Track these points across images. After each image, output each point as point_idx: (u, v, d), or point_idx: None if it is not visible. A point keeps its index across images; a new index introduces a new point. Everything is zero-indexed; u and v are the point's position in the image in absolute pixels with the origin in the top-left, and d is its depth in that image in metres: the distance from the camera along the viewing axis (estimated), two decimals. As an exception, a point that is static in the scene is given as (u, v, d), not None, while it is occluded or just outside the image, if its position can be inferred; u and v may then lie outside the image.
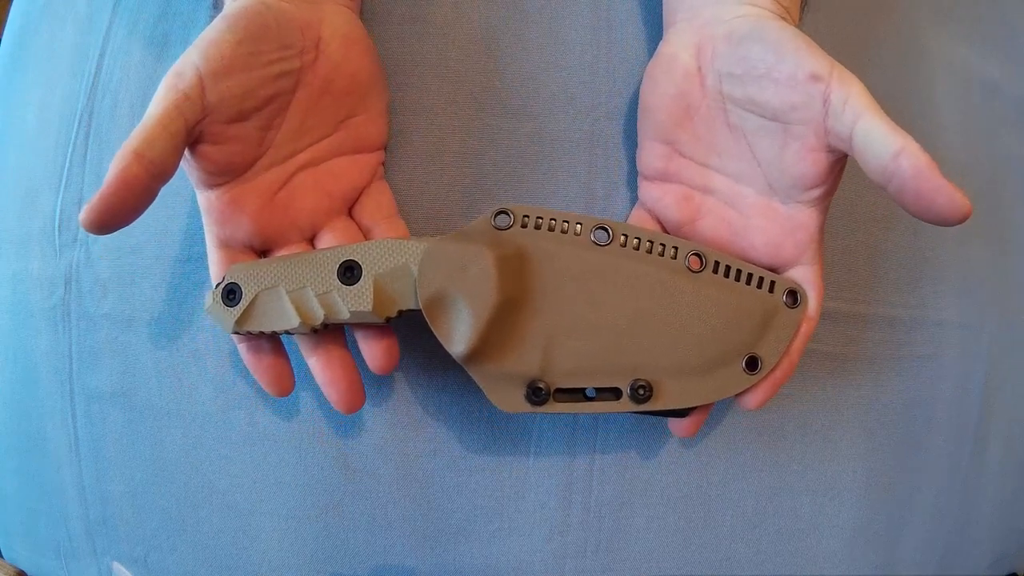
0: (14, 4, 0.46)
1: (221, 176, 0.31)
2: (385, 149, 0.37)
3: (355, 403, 0.33)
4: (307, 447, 0.37)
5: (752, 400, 0.32)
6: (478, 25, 0.39)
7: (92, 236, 0.39)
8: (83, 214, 0.26)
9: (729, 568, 0.40)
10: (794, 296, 0.32)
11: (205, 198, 0.32)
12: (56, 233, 0.40)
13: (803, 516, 0.40)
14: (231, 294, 0.31)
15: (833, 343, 0.39)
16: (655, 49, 0.39)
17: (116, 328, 0.38)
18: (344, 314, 0.31)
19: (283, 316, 0.31)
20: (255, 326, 0.31)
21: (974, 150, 0.43)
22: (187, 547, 0.39)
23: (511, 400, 0.31)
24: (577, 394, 0.32)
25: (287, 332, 0.31)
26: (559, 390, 0.32)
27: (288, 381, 0.33)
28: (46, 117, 0.41)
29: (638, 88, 0.38)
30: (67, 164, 0.40)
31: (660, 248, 0.32)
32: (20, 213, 0.41)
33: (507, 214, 0.32)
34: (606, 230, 0.32)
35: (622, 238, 0.32)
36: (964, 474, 0.43)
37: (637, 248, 0.32)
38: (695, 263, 0.32)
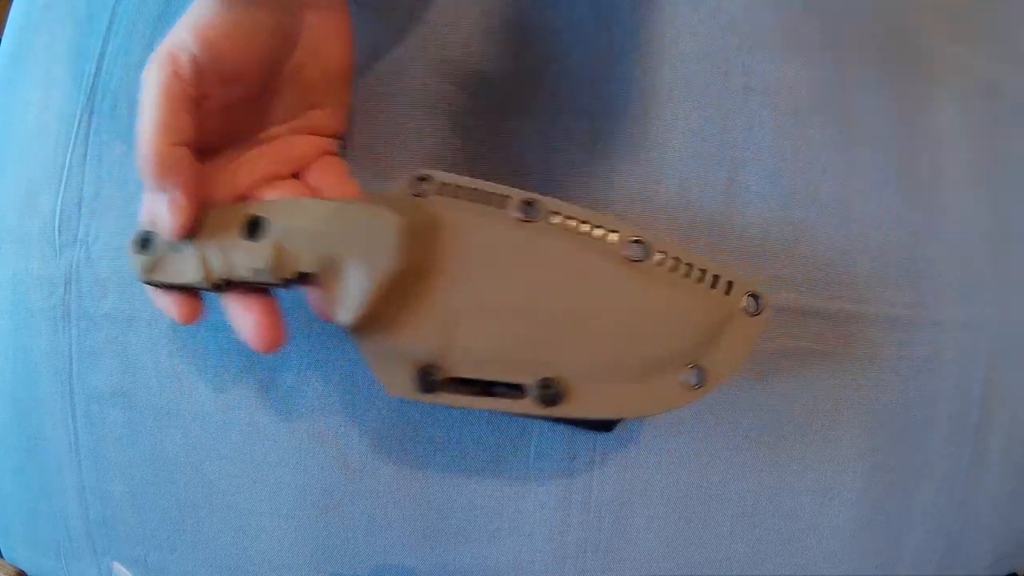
0: (14, 4, 0.46)
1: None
2: (343, 140, 0.36)
3: (273, 338, 0.30)
4: (307, 447, 0.37)
5: None
6: (478, 25, 0.39)
7: (92, 236, 0.39)
8: (176, 228, 0.28)
9: (729, 568, 0.40)
10: (757, 300, 0.28)
11: None
12: (56, 233, 0.40)
13: (803, 516, 0.40)
14: (145, 242, 0.30)
15: (833, 343, 0.39)
16: (655, 48, 0.39)
17: (116, 328, 0.38)
18: (242, 271, 0.28)
19: (187, 268, 0.29)
20: (161, 277, 0.30)
21: (974, 150, 0.43)
22: (187, 547, 0.39)
23: (398, 383, 0.28)
24: (475, 386, 0.28)
25: (191, 286, 0.30)
26: (455, 379, 0.28)
27: (196, 305, 0.31)
28: (46, 117, 0.41)
29: (638, 88, 0.38)
30: (67, 164, 0.40)
31: (597, 231, 0.28)
32: (20, 213, 0.41)
33: (427, 180, 0.29)
34: (533, 204, 0.28)
35: (551, 216, 0.28)
36: (964, 474, 0.43)
37: (569, 228, 0.28)
38: (635, 251, 0.28)
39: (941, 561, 0.43)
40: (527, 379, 0.27)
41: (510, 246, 0.28)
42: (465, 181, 0.29)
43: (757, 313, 0.28)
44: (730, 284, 0.28)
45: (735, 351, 0.27)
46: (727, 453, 0.39)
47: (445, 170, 0.36)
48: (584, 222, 0.28)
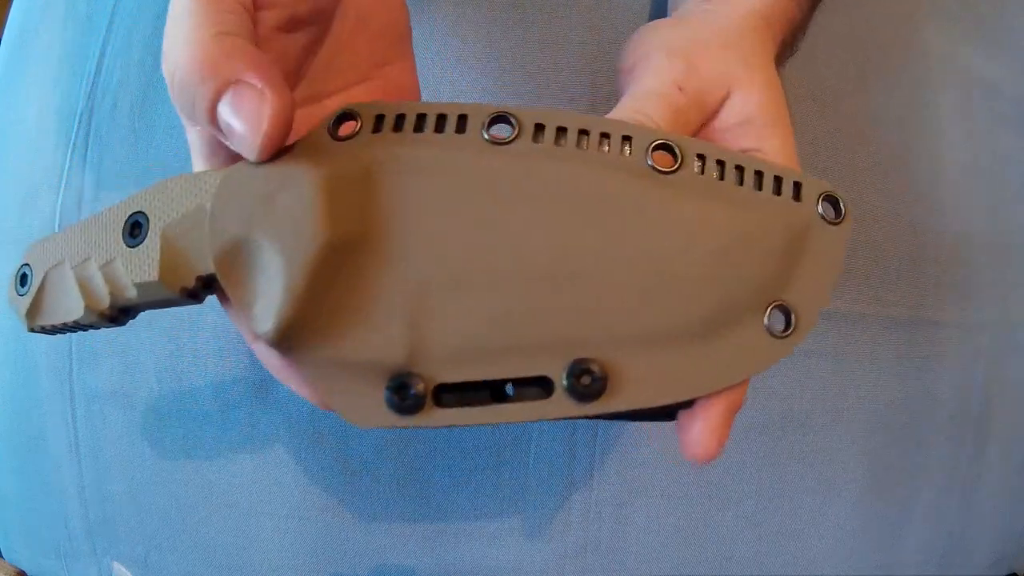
0: (14, 4, 0.46)
1: None
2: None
3: None
4: (307, 447, 0.37)
5: (699, 442, 0.20)
6: (478, 26, 0.39)
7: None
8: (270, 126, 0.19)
9: (729, 568, 0.40)
10: (835, 205, 0.21)
11: (200, 136, 0.23)
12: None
13: (803, 515, 0.40)
14: (24, 279, 0.24)
15: (833, 343, 0.39)
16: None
17: (116, 328, 0.38)
18: (130, 290, 0.21)
19: (69, 302, 0.22)
20: (47, 319, 0.23)
21: (974, 150, 0.43)
22: (187, 547, 0.39)
23: (366, 408, 0.19)
24: (477, 392, 0.20)
25: (82, 326, 0.23)
26: (444, 387, 0.19)
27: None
28: (46, 117, 0.41)
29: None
30: (67, 164, 0.40)
31: (602, 141, 0.20)
32: (20, 213, 0.41)
33: (353, 117, 0.21)
34: (509, 120, 0.20)
35: (536, 131, 0.20)
36: (964, 474, 0.43)
37: (563, 144, 0.20)
38: (664, 161, 0.20)
39: (941, 561, 0.43)
40: (551, 368, 0.19)
41: (484, 181, 0.20)
42: (406, 107, 0.21)
43: (838, 221, 0.20)
44: (797, 187, 0.20)
45: (822, 274, 0.20)
46: (727, 453, 0.39)
47: None
48: (583, 132, 0.20)
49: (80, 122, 0.40)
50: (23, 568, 0.44)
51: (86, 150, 0.40)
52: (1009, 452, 0.45)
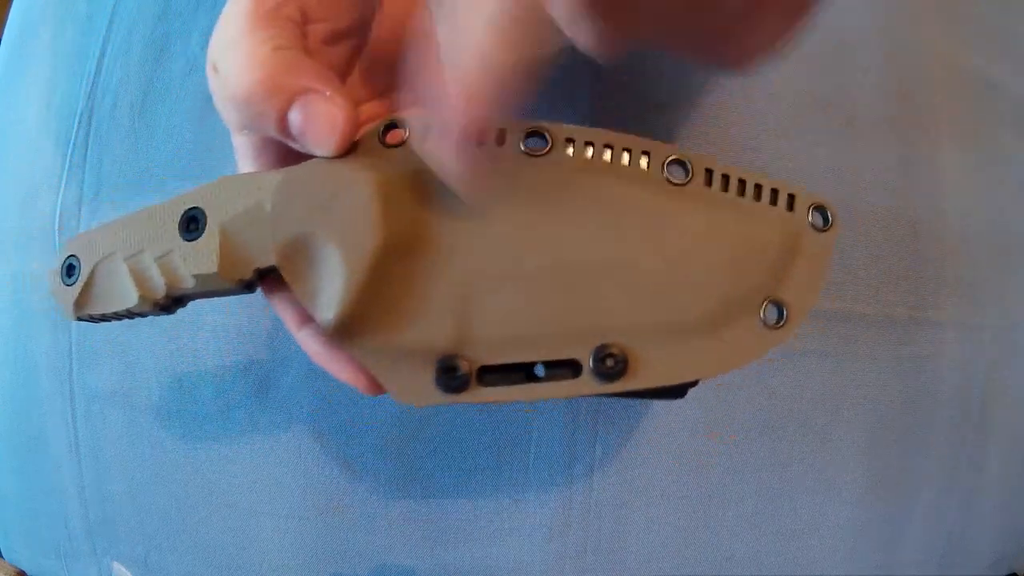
0: (14, 4, 0.46)
1: None
2: None
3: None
4: (307, 447, 0.37)
5: None
6: None
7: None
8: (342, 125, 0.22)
9: (729, 568, 0.40)
10: (824, 214, 0.24)
11: (249, 140, 0.25)
12: (56, 233, 0.40)
13: (803, 516, 0.40)
14: (70, 270, 0.25)
15: (833, 343, 0.39)
16: (655, 48, 0.39)
17: (116, 328, 0.38)
18: (188, 281, 0.24)
19: (122, 291, 0.24)
20: (97, 308, 0.25)
21: (974, 150, 0.43)
22: (187, 547, 0.39)
23: (416, 388, 0.23)
24: (515, 373, 0.23)
25: (132, 314, 0.25)
26: (487, 368, 0.23)
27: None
28: (46, 117, 0.41)
29: (639, 87, 0.39)
30: (67, 164, 0.40)
31: (624, 155, 0.23)
32: (20, 213, 0.41)
33: (400, 126, 0.24)
34: (543, 135, 0.23)
35: (566, 144, 0.23)
36: (964, 474, 0.43)
37: (590, 157, 0.23)
38: (676, 174, 0.24)
39: (941, 561, 0.43)
40: (579, 352, 0.22)
41: (522, 189, 0.23)
42: None
43: (826, 228, 0.24)
44: (792, 198, 0.24)
45: (812, 274, 0.23)
46: (727, 453, 0.39)
47: None
48: (607, 146, 0.23)
49: (80, 122, 0.40)
50: (23, 568, 0.44)
51: (86, 150, 0.40)
52: (1009, 452, 0.45)
